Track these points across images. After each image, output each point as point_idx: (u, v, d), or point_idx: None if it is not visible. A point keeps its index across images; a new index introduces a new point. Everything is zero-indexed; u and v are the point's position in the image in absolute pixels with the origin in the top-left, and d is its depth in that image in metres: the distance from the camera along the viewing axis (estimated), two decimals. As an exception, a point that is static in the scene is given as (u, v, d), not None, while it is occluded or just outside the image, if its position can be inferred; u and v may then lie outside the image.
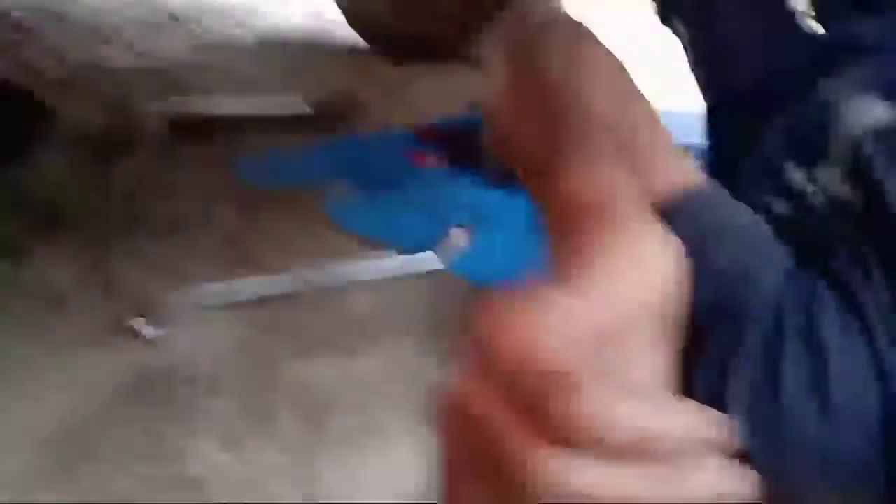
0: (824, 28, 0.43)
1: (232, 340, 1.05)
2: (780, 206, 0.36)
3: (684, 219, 0.34)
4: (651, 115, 0.37)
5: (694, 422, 0.28)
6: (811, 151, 0.36)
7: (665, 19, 0.56)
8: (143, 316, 1.07)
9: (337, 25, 2.41)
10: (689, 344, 0.32)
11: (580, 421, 0.26)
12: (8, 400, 0.98)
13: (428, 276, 1.35)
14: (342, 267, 1.27)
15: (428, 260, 1.37)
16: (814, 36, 0.44)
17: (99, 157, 1.66)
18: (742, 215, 0.35)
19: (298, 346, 1.05)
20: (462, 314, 0.29)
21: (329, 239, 1.40)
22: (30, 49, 2.16)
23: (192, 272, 1.22)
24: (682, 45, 0.55)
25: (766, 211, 0.36)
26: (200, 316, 1.10)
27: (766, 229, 0.34)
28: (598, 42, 0.39)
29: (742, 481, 0.28)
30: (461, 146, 1.69)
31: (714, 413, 0.28)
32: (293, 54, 2.34)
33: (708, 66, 0.53)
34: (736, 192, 0.36)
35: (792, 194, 0.36)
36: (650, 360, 0.29)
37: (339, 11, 2.32)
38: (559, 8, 0.42)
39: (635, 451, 0.27)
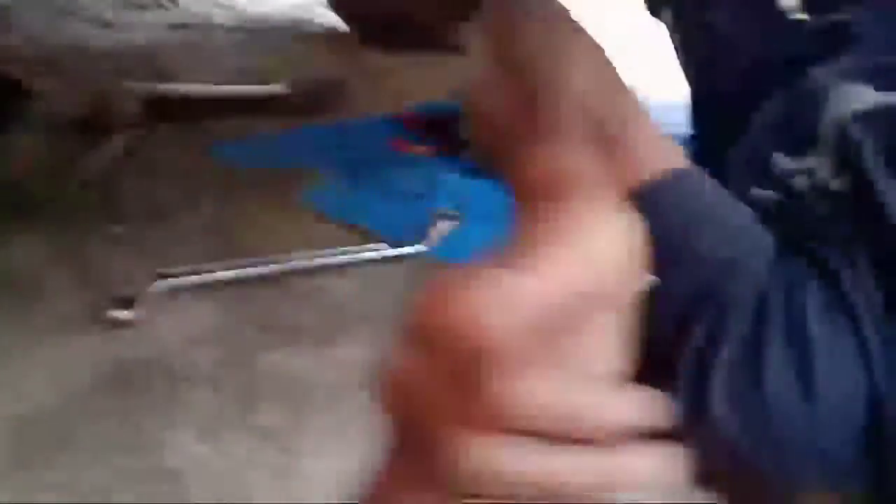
0: (812, 16, 0.43)
1: (210, 328, 1.04)
2: (768, 195, 0.36)
3: (666, 203, 0.33)
4: (633, 104, 0.37)
5: (632, 405, 0.28)
6: (800, 139, 0.35)
7: (653, 10, 0.56)
8: (120, 303, 1.06)
9: (320, 9, 2.39)
10: (671, 332, 0.32)
11: (507, 402, 0.26)
12: (-19, 388, 0.96)
13: (410, 263, 1.35)
14: (323, 254, 1.26)
15: (411, 247, 1.36)
16: (802, 24, 0.44)
17: (76, 139, 1.64)
18: (726, 201, 0.35)
19: (278, 334, 1.04)
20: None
21: (310, 226, 1.39)
22: (5, 28, 2.12)
23: (171, 258, 1.20)
24: (669, 35, 0.55)
25: (753, 200, 0.36)
26: (179, 304, 1.09)
27: (750, 216, 0.34)
28: (581, 31, 0.38)
29: (676, 467, 0.28)
30: (445, 133, 1.68)
31: (656, 396, 0.28)
32: (275, 37, 2.31)
33: (696, 55, 0.53)
34: (723, 182, 0.36)
35: (780, 182, 0.35)
36: (598, 340, 0.29)
37: (322, -5, 2.29)
38: None
39: (565, 434, 0.27)
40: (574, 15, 0.39)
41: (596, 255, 0.29)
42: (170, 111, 1.77)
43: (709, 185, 0.35)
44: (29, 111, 1.71)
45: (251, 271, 1.15)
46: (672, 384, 0.32)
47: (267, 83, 1.92)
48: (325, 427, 0.98)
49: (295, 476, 0.90)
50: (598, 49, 0.37)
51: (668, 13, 0.55)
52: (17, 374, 0.98)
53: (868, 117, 0.34)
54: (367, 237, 1.36)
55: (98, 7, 2.34)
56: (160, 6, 2.42)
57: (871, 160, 0.33)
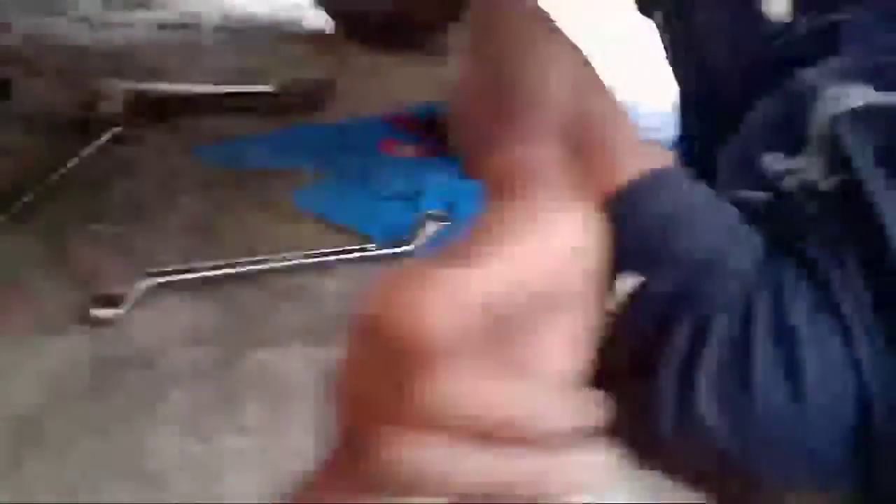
0: (801, 17, 0.43)
1: (195, 327, 1.03)
2: (757, 195, 0.36)
3: (645, 203, 0.33)
4: (612, 104, 0.36)
5: (572, 408, 0.27)
6: (790, 140, 0.35)
7: (644, 9, 0.56)
8: (103, 302, 1.05)
9: (306, 8, 2.38)
10: (652, 333, 0.32)
11: (440, 401, 0.26)
12: (-39, 387, 0.95)
13: (398, 263, 1.34)
14: (310, 253, 1.25)
15: (398, 247, 1.36)
16: (790, 26, 0.44)
17: (57, 136, 1.63)
18: (709, 201, 0.35)
19: (263, 333, 1.04)
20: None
21: (297, 225, 1.39)
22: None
23: (154, 257, 1.19)
24: (659, 35, 0.55)
25: (742, 200, 0.36)
26: (163, 302, 1.08)
27: (736, 216, 0.34)
28: (558, 31, 0.38)
29: (610, 469, 0.28)
30: (434, 135, 1.68)
31: (595, 397, 0.28)
32: (260, 36, 2.30)
33: (685, 55, 0.53)
34: (712, 183, 0.36)
35: (769, 182, 0.35)
36: (551, 341, 0.28)
37: (309, -6, 2.29)
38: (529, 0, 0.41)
39: (500, 435, 0.26)
40: (566, 17, 0.39)
41: (551, 254, 0.28)
42: (156, 110, 1.76)
43: (690, 185, 0.35)
44: (9, 108, 1.69)
45: (236, 270, 1.15)
46: (654, 386, 0.32)
47: (254, 83, 1.91)
48: (310, 426, 0.98)
49: (278, 474, 0.89)
50: (576, 49, 0.37)
51: (658, 13, 0.55)
52: (-4, 372, 0.97)
53: (858, 117, 0.34)
54: (355, 237, 1.35)
55: (86, 6, 2.32)
56: (147, 6, 2.41)
57: (861, 160, 0.33)
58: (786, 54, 0.42)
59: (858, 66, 0.37)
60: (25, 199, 1.37)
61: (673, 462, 0.33)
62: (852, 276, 0.32)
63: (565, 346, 0.29)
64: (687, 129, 0.54)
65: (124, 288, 1.07)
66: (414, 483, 0.26)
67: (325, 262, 1.24)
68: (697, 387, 0.32)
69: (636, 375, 0.32)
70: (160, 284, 1.10)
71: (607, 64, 0.38)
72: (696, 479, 0.33)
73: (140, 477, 0.76)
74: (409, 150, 1.72)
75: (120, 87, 1.77)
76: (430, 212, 1.45)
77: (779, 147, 0.37)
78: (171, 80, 1.90)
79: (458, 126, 0.39)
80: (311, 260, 1.22)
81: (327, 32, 2.32)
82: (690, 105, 0.54)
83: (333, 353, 0.28)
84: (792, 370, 0.31)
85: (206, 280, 1.12)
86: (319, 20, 2.34)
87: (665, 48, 0.54)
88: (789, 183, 0.35)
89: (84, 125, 1.65)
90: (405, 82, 2.01)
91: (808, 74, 0.38)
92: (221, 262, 1.16)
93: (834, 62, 0.38)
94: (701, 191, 0.35)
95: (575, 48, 0.38)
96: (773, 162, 0.37)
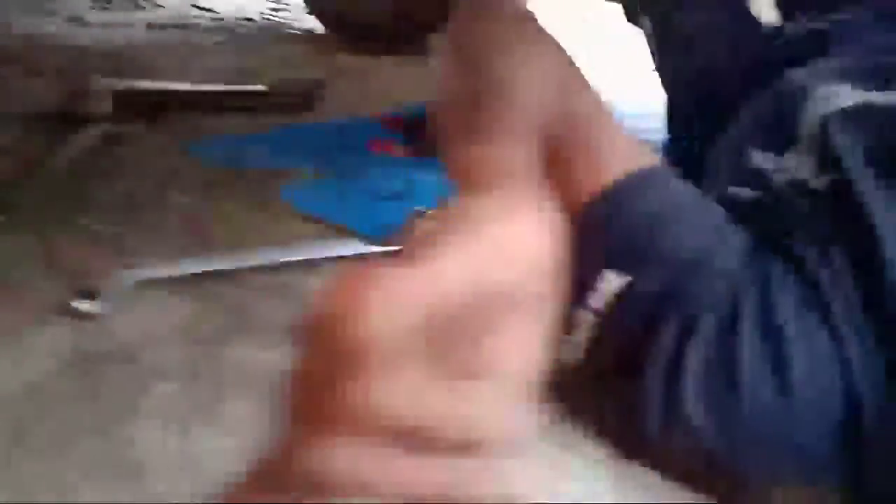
0: (789, 20, 0.43)
1: (179, 322, 1.02)
2: (746, 193, 0.36)
3: (631, 203, 0.33)
4: (597, 105, 0.36)
5: (508, 413, 0.27)
6: (779, 138, 0.36)
7: (631, 17, 0.56)
8: (84, 295, 1.04)
9: (297, 10, 2.38)
10: (639, 332, 0.31)
11: (369, 403, 0.25)
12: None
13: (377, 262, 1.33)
14: (297, 249, 1.24)
15: (387, 245, 1.35)
16: (779, 28, 0.44)
17: (46, 132, 1.61)
18: (694, 200, 0.35)
19: (248, 329, 1.03)
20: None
21: (287, 223, 1.38)
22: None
23: (141, 253, 1.19)
24: (647, 41, 0.55)
25: (730, 198, 0.36)
26: (147, 297, 1.07)
27: (721, 214, 0.34)
28: (542, 32, 0.38)
29: (535, 478, 0.27)
30: (423, 134, 1.68)
31: (533, 406, 0.27)
32: (253, 38, 2.30)
33: (673, 59, 0.53)
34: (699, 183, 0.36)
35: (758, 180, 0.35)
36: (503, 343, 0.28)
37: (302, -6, 2.28)
38: (516, 2, 0.41)
39: (430, 439, 0.26)
40: (554, 19, 0.39)
41: (508, 254, 0.27)
42: (146, 109, 1.75)
43: (677, 184, 0.34)
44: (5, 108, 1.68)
45: (221, 266, 1.14)
46: (641, 385, 0.32)
47: (245, 83, 1.91)
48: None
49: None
50: (560, 50, 0.37)
51: (645, 20, 0.55)
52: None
53: (848, 117, 0.34)
54: (344, 235, 1.35)
55: (76, 6, 2.31)
56: (138, 6, 2.40)
57: (851, 160, 0.33)
58: (772, 57, 0.42)
59: (851, 66, 0.37)
60: (13, 193, 1.36)
61: (660, 461, 0.33)
62: (841, 275, 0.32)
63: (521, 348, 0.28)
64: (673, 131, 0.54)
65: (108, 282, 1.06)
66: (341, 486, 0.25)
67: (311, 259, 1.23)
68: (684, 386, 0.32)
69: (623, 375, 0.32)
70: (145, 280, 1.09)
71: (593, 65, 0.38)
72: (683, 477, 0.32)
73: (122, 469, 0.75)
74: (399, 150, 1.71)
75: (111, 85, 1.76)
76: (419, 210, 1.44)
77: (769, 146, 0.37)
78: (163, 80, 1.89)
79: (438, 124, 0.39)
80: (295, 256, 1.21)
81: (320, 33, 2.31)
82: (678, 108, 0.54)
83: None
84: (779, 365, 0.31)
85: (191, 276, 1.12)
86: (312, 21, 2.33)
87: (652, 53, 0.54)
88: (779, 180, 0.35)
89: (74, 122, 1.64)
90: (395, 83, 2.01)
91: (798, 74, 0.38)
92: (207, 259, 1.15)
93: (824, 63, 0.38)
94: (688, 190, 0.35)
95: (560, 49, 0.38)
96: (763, 160, 0.37)
